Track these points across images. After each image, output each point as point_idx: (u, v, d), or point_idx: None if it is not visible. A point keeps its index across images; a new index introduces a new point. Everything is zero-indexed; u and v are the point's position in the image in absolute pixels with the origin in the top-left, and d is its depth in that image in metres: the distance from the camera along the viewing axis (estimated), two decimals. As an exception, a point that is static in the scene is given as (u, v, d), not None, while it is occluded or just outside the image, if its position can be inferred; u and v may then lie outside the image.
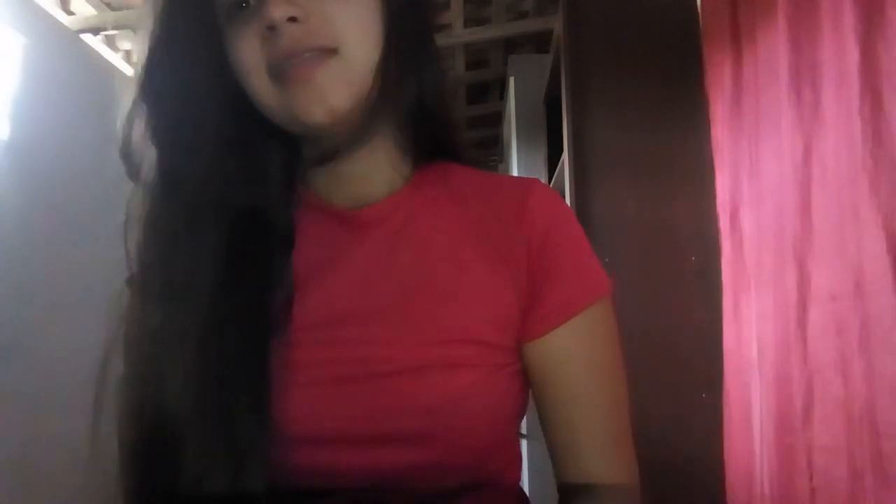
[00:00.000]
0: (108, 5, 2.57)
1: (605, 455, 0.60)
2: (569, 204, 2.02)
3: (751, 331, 1.45)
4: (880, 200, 0.91)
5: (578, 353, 0.60)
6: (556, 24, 2.31)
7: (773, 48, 1.28)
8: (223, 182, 0.58)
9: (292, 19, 0.54)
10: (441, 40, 3.17)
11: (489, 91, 4.03)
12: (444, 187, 0.65)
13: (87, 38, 2.69)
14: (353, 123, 0.59)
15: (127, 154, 0.59)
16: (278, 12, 0.53)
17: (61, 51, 2.50)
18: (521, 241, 0.61)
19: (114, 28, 2.64)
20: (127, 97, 0.59)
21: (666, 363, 1.70)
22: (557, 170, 2.39)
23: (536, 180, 0.65)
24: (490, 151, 4.99)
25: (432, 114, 0.65)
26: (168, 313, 0.55)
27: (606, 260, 1.95)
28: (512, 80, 3.20)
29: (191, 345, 0.54)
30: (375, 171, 0.64)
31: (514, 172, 3.17)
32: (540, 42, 3.34)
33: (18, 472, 2.14)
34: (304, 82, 0.55)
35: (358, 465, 0.55)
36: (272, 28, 0.54)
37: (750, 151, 1.44)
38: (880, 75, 0.92)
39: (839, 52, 1.02)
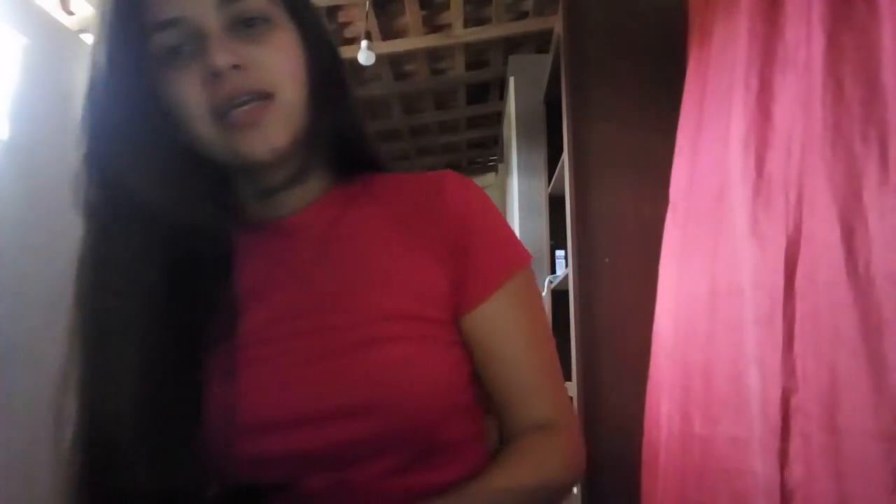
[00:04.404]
0: (108, 5, 2.57)
1: (547, 401, 0.68)
2: (569, 204, 2.02)
3: (674, 321, 1.48)
4: (835, 191, 0.90)
5: (509, 318, 0.67)
6: (556, 24, 2.31)
7: (732, 38, 1.27)
8: (161, 213, 0.62)
9: (235, 66, 0.60)
10: (441, 40, 3.18)
11: (489, 91, 4.03)
12: (364, 191, 0.72)
13: (87, 38, 2.69)
14: (289, 156, 0.66)
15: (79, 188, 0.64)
16: (223, 60, 0.59)
17: (61, 51, 2.50)
18: (442, 225, 0.67)
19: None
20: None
21: (666, 363, 1.70)
22: (557, 170, 2.39)
23: (450, 171, 0.72)
24: (490, 151, 4.99)
25: (348, 136, 0.72)
26: (110, 338, 0.61)
27: (606, 260, 1.97)
28: (512, 80, 3.21)
29: (131, 366, 0.60)
30: (299, 184, 0.70)
31: (514, 172, 3.17)
32: (540, 42, 3.35)
33: (19, 472, 2.14)
34: (249, 126, 0.61)
35: (319, 442, 0.60)
36: (216, 75, 0.60)
37: (698, 142, 1.44)
38: (844, 64, 0.91)
39: (802, 39, 1.02)
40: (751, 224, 1.10)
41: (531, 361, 0.68)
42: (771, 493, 0.98)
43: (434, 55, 3.45)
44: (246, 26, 0.62)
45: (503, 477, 0.62)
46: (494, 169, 4.87)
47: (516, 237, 0.71)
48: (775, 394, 0.99)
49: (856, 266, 0.84)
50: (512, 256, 0.69)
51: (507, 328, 0.67)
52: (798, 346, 0.96)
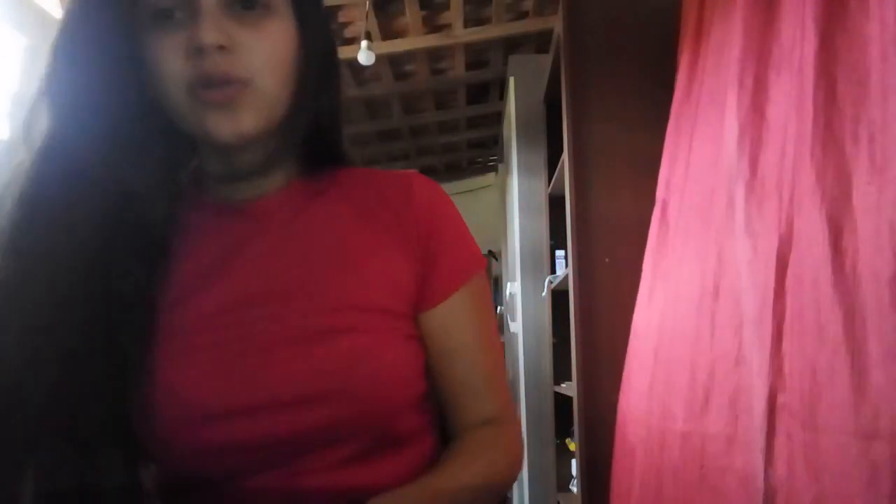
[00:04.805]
0: (109, 5, 2.57)
1: (495, 398, 0.71)
2: (568, 204, 2.02)
3: (659, 317, 1.48)
4: (825, 190, 0.90)
5: (466, 317, 0.70)
6: (556, 24, 2.31)
7: (727, 39, 1.28)
8: (113, 172, 0.61)
9: (221, 47, 0.59)
10: (441, 40, 3.17)
11: (489, 91, 4.03)
12: (333, 183, 0.72)
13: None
14: (259, 142, 0.65)
15: (28, 125, 0.61)
16: (210, 38, 0.58)
17: (61, 51, 2.50)
18: (411, 221, 0.69)
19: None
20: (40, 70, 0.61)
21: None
22: (557, 170, 2.39)
23: (416, 172, 0.74)
24: (490, 151, 4.99)
25: (325, 130, 0.71)
26: (28, 304, 0.57)
27: (606, 260, 1.97)
28: (512, 80, 3.20)
29: (46, 345, 0.57)
30: (267, 170, 0.69)
31: (514, 172, 3.17)
32: (540, 42, 3.35)
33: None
34: (220, 106, 0.60)
35: (271, 431, 0.59)
36: (200, 51, 0.59)
37: (690, 140, 1.44)
38: (837, 65, 0.91)
39: (797, 40, 1.02)
40: (744, 223, 1.11)
41: (483, 359, 0.71)
42: (755, 491, 0.99)
43: (434, 55, 3.45)
44: (243, 7, 0.61)
45: (463, 471, 0.64)
46: (494, 169, 4.87)
47: (474, 241, 0.74)
48: (762, 392, 0.99)
49: (843, 266, 0.84)
50: (473, 259, 0.72)
51: (464, 326, 0.70)
52: (786, 346, 0.96)
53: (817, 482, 0.85)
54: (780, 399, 0.95)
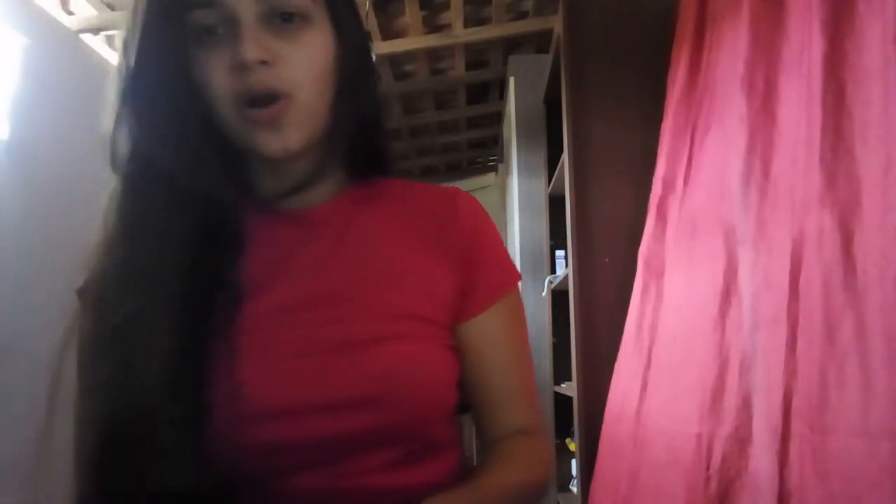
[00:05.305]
0: (109, 6, 2.57)
1: (528, 409, 0.74)
2: (568, 204, 2.02)
3: (653, 315, 1.47)
4: (836, 194, 0.90)
5: (503, 330, 0.73)
6: (556, 24, 2.31)
7: (734, 41, 1.27)
8: (185, 186, 0.64)
9: (263, 62, 0.61)
10: (441, 40, 3.17)
11: (489, 91, 4.03)
12: (379, 193, 0.75)
13: (87, 38, 2.69)
14: (306, 153, 0.67)
15: (112, 153, 0.65)
16: (252, 55, 0.60)
17: (61, 51, 2.50)
18: (456, 235, 0.72)
19: (114, 28, 2.64)
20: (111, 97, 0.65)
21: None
22: (557, 170, 2.39)
23: (459, 189, 0.77)
24: (490, 151, 4.99)
25: (370, 138, 0.74)
26: (124, 317, 0.60)
27: (606, 260, 1.96)
28: (512, 80, 3.20)
29: (148, 347, 0.59)
30: (319, 180, 0.71)
31: (514, 172, 3.17)
32: (540, 42, 3.34)
33: (18, 472, 2.14)
34: (266, 124, 0.63)
35: (319, 432, 0.61)
36: (243, 66, 0.61)
37: (692, 141, 1.44)
38: (845, 68, 0.92)
39: (805, 43, 1.02)
40: (758, 225, 1.11)
41: (517, 371, 0.74)
42: (768, 492, 0.99)
43: (434, 55, 3.44)
44: (282, 20, 0.63)
45: (508, 474, 0.67)
46: (494, 169, 4.87)
47: (510, 256, 0.77)
48: (777, 394, 0.99)
49: (854, 268, 0.84)
50: (510, 273, 0.75)
51: (500, 338, 0.73)
52: (801, 348, 0.96)
53: (826, 482, 0.85)
54: (795, 401, 0.95)
